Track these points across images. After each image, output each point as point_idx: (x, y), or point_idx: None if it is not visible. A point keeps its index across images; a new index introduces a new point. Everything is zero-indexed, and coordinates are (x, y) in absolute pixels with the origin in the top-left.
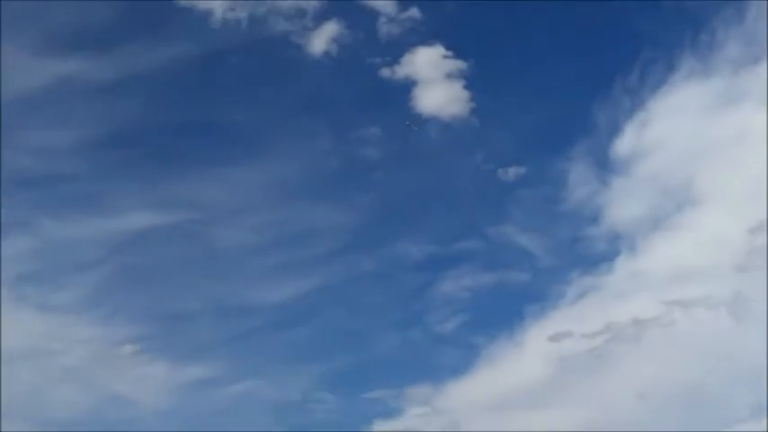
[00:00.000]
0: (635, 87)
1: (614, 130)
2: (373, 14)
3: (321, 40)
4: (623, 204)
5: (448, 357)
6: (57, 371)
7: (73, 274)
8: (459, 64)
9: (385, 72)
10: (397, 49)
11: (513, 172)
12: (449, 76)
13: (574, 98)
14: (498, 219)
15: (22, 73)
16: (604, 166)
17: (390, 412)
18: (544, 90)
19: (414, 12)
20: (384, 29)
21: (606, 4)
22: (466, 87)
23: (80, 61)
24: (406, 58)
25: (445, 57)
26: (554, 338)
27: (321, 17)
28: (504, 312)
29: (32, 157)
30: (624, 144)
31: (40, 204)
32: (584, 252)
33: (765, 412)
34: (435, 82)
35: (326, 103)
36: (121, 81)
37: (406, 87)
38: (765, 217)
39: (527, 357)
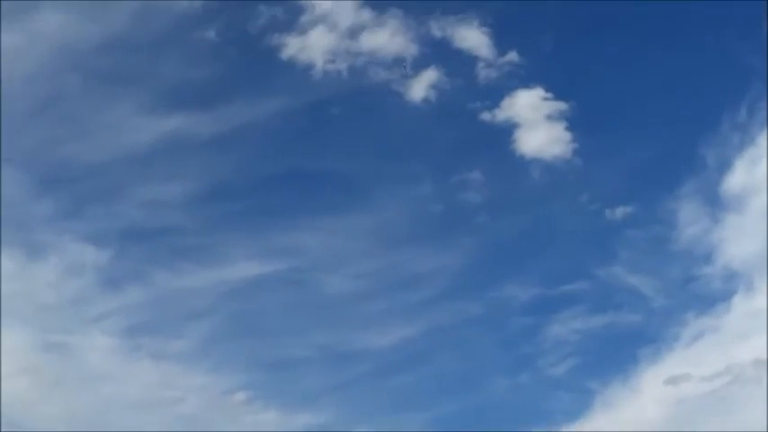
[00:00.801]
0: (744, 123)
1: (724, 166)
2: (471, 60)
3: (420, 87)
4: (737, 242)
5: (561, 402)
6: (173, 419)
7: (185, 323)
8: (559, 105)
9: (485, 116)
10: (496, 92)
11: (620, 212)
12: (550, 117)
13: (680, 135)
14: (607, 259)
15: (131, 131)
16: (715, 203)
17: None
18: (649, 128)
19: (512, 55)
20: (483, 73)
21: (710, 38)
22: (568, 128)
23: (185, 117)
24: (506, 102)
25: (545, 98)
26: (671, 382)
27: (420, 65)
28: (617, 355)
29: (143, 211)
30: (735, 180)
31: (152, 257)
32: (699, 292)
33: None
34: (536, 124)
35: (427, 149)
36: (224, 135)
37: (507, 130)
38: None
39: (643, 401)
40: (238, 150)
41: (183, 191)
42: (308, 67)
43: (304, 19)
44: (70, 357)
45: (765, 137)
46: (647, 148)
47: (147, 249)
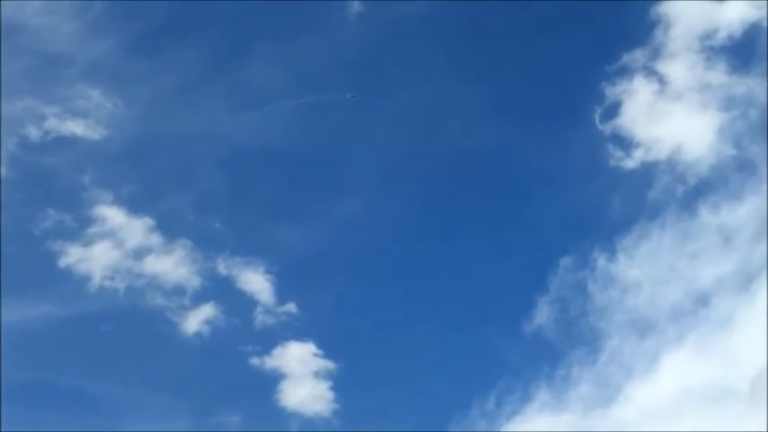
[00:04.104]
0: (491, 412)
1: None
2: (251, 303)
3: (196, 320)
4: None
5: None
6: None
7: None
8: (328, 364)
9: (255, 361)
10: (269, 340)
11: None
12: (317, 374)
13: (430, 413)
14: None
15: None
16: None
17: None
18: (406, 402)
19: (291, 306)
20: (260, 318)
21: (474, 330)
22: (332, 388)
23: None
24: (278, 351)
25: (316, 354)
26: None
27: (200, 299)
28: None
29: None
30: None
31: None
32: None
33: None
34: (303, 378)
35: (191, 384)
36: None
37: (274, 379)
38: None
39: None
40: None
41: None
42: (85, 279)
43: (91, 231)
44: None
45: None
46: (404, 422)
47: None
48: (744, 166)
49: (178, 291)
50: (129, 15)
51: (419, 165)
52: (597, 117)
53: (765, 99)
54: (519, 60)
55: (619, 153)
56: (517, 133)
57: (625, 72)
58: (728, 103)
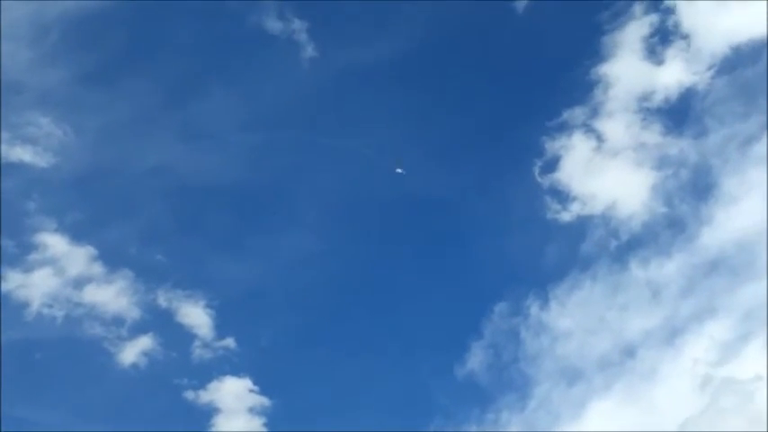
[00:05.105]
0: None
1: None
2: (190, 336)
3: (133, 351)
4: None
5: None
6: None
7: None
8: (263, 400)
9: (189, 395)
10: (206, 374)
11: None
12: (251, 410)
13: None
14: None
15: None
16: None
17: None
18: None
19: (229, 341)
20: (197, 352)
21: (406, 379)
22: (266, 425)
23: None
24: (214, 385)
25: (251, 390)
26: None
27: (138, 330)
28: None
29: None
30: None
31: None
32: None
33: None
34: (237, 414)
35: (124, 415)
36: None
37: (208, 414)
38: None
39: None
40: None
41: None
42: (23, 306)
43: (32, 257)
44: None
45: None
46: None
47: None
48: (673, 224)
49: (117, 321)
50: (86, 45)
51: (362, 207)
52: (537, 170)
53: (696, 160)
54: (464, 108)
55: (556, 206)
56: (459, 180)
57: (565, 128)
58: (661, 163)
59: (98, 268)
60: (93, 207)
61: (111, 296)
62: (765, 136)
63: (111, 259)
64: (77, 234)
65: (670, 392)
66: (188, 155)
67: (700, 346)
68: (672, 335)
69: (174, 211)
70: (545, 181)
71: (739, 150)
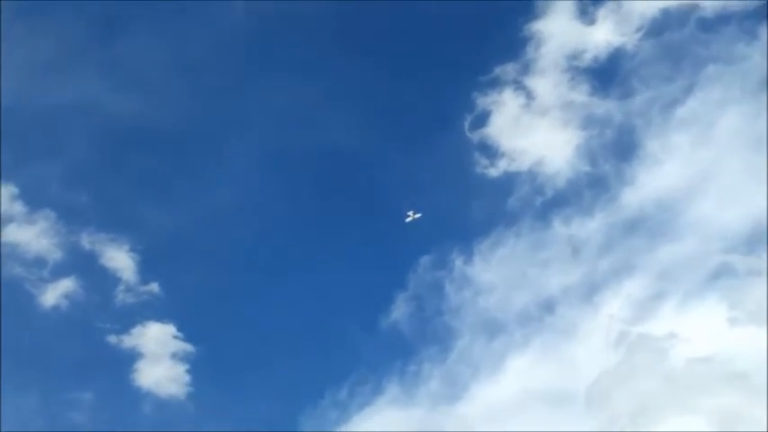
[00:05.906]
0: (343, 402)
1: None
2: (114, 280)
3: (55, 294)
4: None
5: None
6: None
7: None
8: (187, 347)
9: (112, 339)
10: (129, 318)
11: None
12: (174, 356)
13: (284, 401)
14: None
15: None
16: None
17: None
18: (261, 390)
19: (154, 286)
20: (121, 296)
21: (326, 329)
22: (189, 371)
23: None
24: (137, 330)
25: (175, 337)
26: None
27: (60, 272)
28: None
29: None
30: None
31: None
32: None
33: None
34: (160, 359)
35: (45, 360)
36: None
37: (131, 358)
38: None
39: None
40: None
41: None
42: None
43: None
44: None
45: (360, 419)
46: (256, 410)
47: None
48: (597, 183)
49: (38, 262)
50: None
51: (291, 160)
52: (466, 125)
53: (621, 121)
54: (394, 64)
55: (484, 161)
56: (387, 135)
57: (496, 84)
58: (587, 122)
59: (19, 207)
60: (14, 146)
61: (33, 236)
62: (689, 99)
63: (33, 199)
64: None
65: (586, 348)
66: (115, 95)
67: (616, 304)
68: (590, 292)
69: (100, 152)
70: (474, 136)
71: (663, 113)
